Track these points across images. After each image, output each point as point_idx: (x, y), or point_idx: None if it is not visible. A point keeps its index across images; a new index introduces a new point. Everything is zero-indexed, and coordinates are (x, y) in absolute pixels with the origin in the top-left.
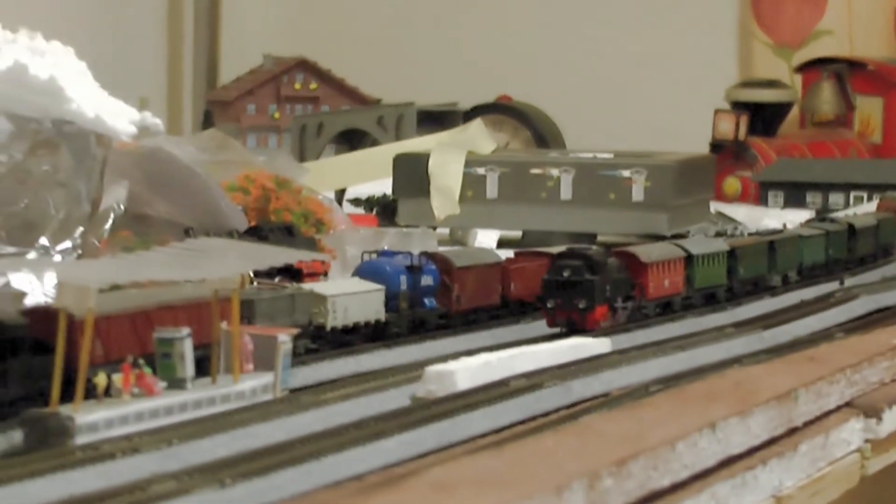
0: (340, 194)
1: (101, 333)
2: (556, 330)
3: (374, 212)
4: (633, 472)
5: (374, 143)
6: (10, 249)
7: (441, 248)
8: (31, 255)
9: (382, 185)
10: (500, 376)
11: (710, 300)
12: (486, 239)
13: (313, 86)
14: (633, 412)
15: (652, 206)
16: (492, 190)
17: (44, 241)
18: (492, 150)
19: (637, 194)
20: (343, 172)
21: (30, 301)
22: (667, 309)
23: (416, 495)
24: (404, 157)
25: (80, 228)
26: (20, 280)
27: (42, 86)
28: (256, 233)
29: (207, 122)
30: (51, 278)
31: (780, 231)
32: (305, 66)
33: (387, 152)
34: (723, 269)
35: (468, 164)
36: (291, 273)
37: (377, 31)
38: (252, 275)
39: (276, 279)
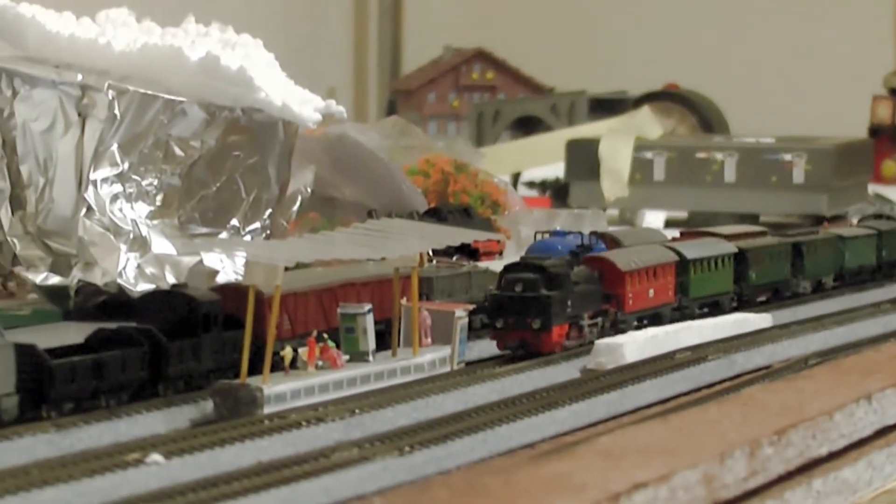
0: (516, 177)
1: (288, 309)
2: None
3: (548, 194)
4: (792, 440)
5: (548, 129)
6: (203, 230)
7: (611, 228)
8: (223, 235)
9: (555, 169)
10: (667, 349)
11: (713, 310)
12: (653, 220)
13: (490, 75)
14: (793, 384)
15: (812, 188)
16: (659, 173)
17: (235, 222)
18: (659, 136)
19: (798, 177)
20: (518, 157)
21: (221, 279)
22: (654, 321)
23: (585, 463)
24: (576, 142)
25: (269, 210)
26: (212, 259)
27: (233, 76)
28: (436, 214)
29: (391, 109)
30: (241, 257)
31: (814, 231)
32: (483, 57)
33: (560, 138)
34: (728, 274)
35: (637, 148)
36: (468, 252)
37: (551, 22)
38: (431, 253)
39: (454, 258)
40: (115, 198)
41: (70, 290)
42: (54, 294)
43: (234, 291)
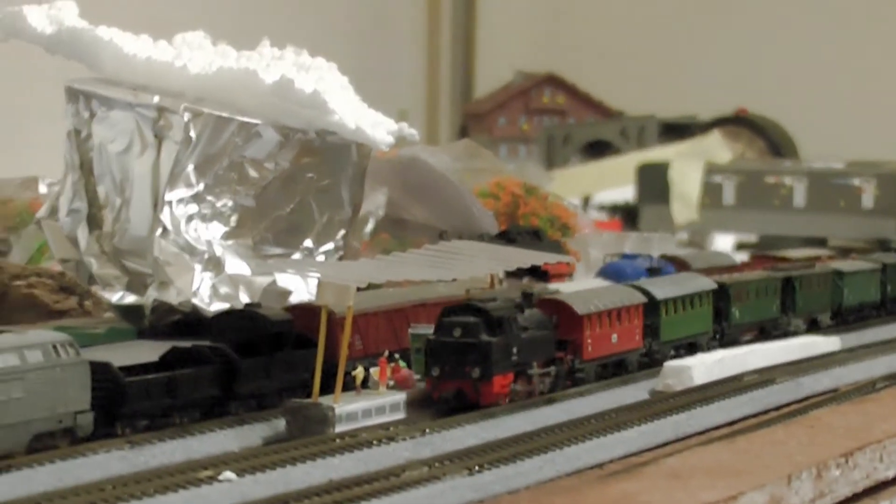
0: (586, 200)
1: (359, 329)
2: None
3: (618, 217)
4: (859, 462)
5: (618, 152)
6: (277, 251)
7: (680, 252)
8: (296, 256)
9: (625, 192)
10: (734, 372)
11: (690, 351)
12: (722, 243)
13: (560, 99)
14: (860, 406)
15: (881, 213)
16: (728, 197)
17: (308, 243)
18: (729, 160)
19: (867, 202)
20: (588, 180)
21: (294, 299)
22: (619, 369)
23: (652, 483)
24: (646, 166)
25: (342, 231)
26: (286, 279)
27: (307, 99)
28: (506, 236)
29: (462, 133)
30: (314, 278)
31: (808, 265)
32: (553, 81)
33: (630, 162)
34: (707, 313)
35: (706, 172)
36: (538, 274)
37: (621, 48)
38: (502, 275)
39: (524, 279)
40: (190, 218)
41: (145, 309)
42: (129, 313)
43: (306, 311)
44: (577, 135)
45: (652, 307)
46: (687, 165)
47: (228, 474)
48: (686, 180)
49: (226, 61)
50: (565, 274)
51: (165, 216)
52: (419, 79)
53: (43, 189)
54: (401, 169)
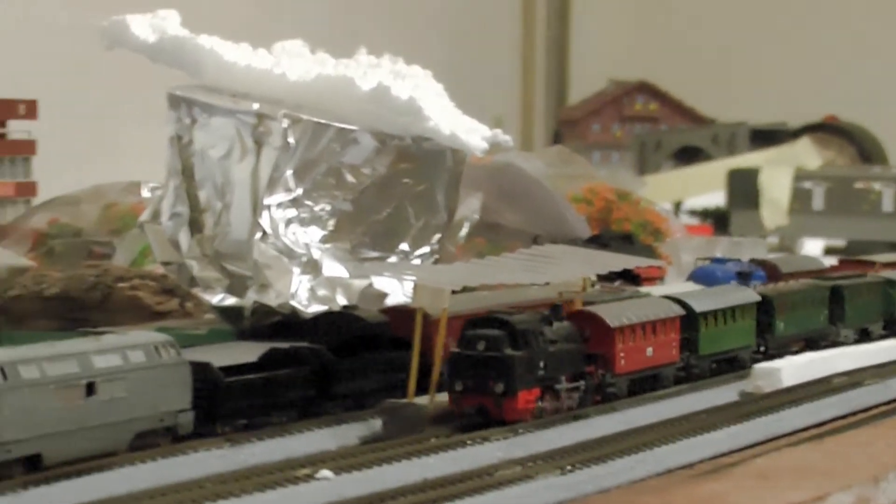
0: (677, 205)
1: (453, 331)
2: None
3: (709, 222)
4: None
5: (709, 158)
6: (374, 254)
7: (770, 256)
8: (392, 259)
9: (716, 198)
10: (823, 374)
11: (732, 366)
12: (812, 247)
13: (653, 106)
14: None
15: None
16: (818, 202)
17: (404, 246)
18: (818, 166)
19: None
20: (680, 185)
21: (390, 301)
22: (654, 384)
23: (741, 483)
24: (737, 172)
25: (437, 235)
26: (382, 282)
27: (403, 106)
28: (598, 240)
29: (556, 139)
30: (410, 281)
31: (860, 274)
32: (646, 89)
33: (721, 168)
34: (749, 326)
35: (796, 178)
36: (630, 277)
37: (712, 56)
38: (594, 278)
39: (617, 283)
40: (288, 222)
41: (245, 311)
42: (229, 314)
43: (402, 313)
44: (669, 141)
45: (690, 320)
46: (777, 171)
47: (325, 473)
48: (776, 186)
49: (324, 69)
50: (657, 277)
51: (265, 220)
52: (514, 86)
53: (146, 193)
54: (495, 174)
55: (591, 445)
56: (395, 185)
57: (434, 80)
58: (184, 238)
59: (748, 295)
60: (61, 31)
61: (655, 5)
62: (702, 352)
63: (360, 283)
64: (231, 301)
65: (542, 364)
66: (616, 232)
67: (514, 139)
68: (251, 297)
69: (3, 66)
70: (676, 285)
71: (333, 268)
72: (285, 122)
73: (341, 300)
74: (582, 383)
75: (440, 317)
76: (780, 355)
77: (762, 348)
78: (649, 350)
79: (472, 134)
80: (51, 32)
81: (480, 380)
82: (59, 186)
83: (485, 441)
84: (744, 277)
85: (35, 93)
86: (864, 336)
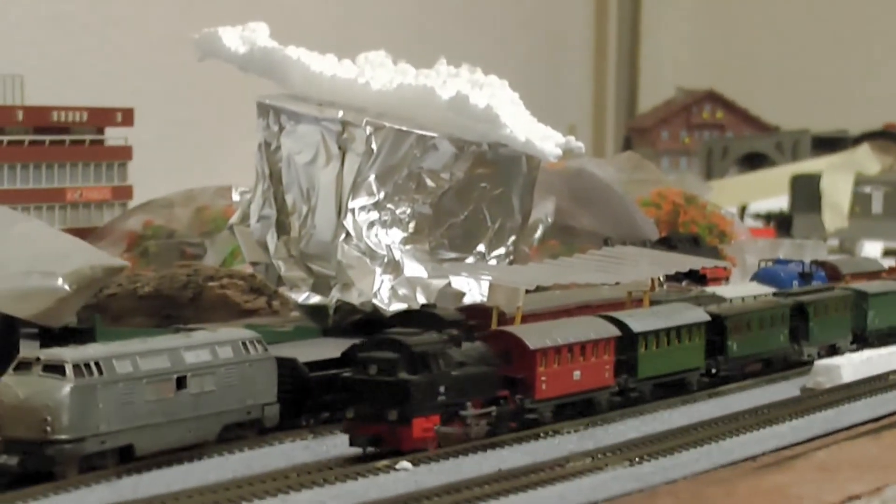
0: (742, 209)
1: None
2: None
3: (772, 225)
4: None
5: (773, 164)
6: (452, 255)
7: (831, 258)
8: (470, 260)
9: (780, 202)
10: (881, 370)
11: (678, 391)
12: (871, 250)
13: (719, 114)
14: None
15: None
16: (877, 206)
17: (480, 248)
18: (877, 172)
19: None
20: (745, 190)
21: (467, 300)
22: (588, 410)
23: (802, 475)
24: (800, 177)
25: (513, 237)
26: (460, 282)
27: (480, 114)
28: (666, 242)
29: (626, 145)
30: (486, 281)
31: (827, 288)
32: (713, 98)
33: (784, 173)
34: (698, 347)
35: (856, 183)
36: (697, 277)
37: (776, 66)
38: (662, 279)
39: (683, 283)
40: (371, 225)
41: (329, 309)
42: (314, 312)
43: (479, 312)
44: (735, 148)
45: (628, 341)
46: (838, 176)
47: (405, 464)
48: (837, 190)
49: (405, 78)
50: (722, 278)
51: (348, 222)
52: (587, 95)
53: (236, 197)
54: (568, 179)
55: (659, 438)
56: (473, 190)
57: (510, 90)
58: (271, 240)
59: (697, 314)
60: (157, 43)
61: (722, 18)
62: (641, 375)
63: (438, 283)
64: (316, 300)
65: (442, 389)
66: (683, 234)
67: (587, 146)
68: (335, 296)
69: (101, 76)
70: (740, 286)
71: (413, 268)
72: (368, 130)
73: (421, 299)
74: (493, 409)
75: (515, 315)
76: (733, 378)
77: (713, 370)
78: (577, 373)
79: (547, 141)
80: (146, 44)
81: (374, 406)
82: (153, 190)
83: (557, 434)
84: (805, 278)
85: (132, 101)
86: (833, 353)
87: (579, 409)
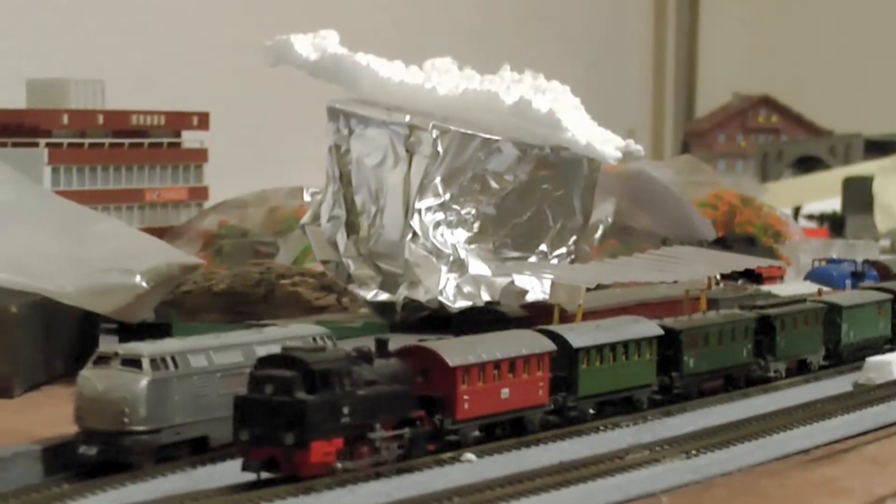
0: (796, 210)
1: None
2: None
3: (825, 226)
4: None
5: (826, 167)
6: (515, 254)
7: (882, 257)
8: (532, 259)
9: (832, 203)
10: None
11: (627, 409)
12: None
13: (774, 119)
14: None
15: None
16: None
17: (543, 247)
18: None
19: None
20: (799, 192)
21: (530, 297)
22: (517, 430)
23: (853, 468)
24: (852, 179)
25: (574, 237)
26: (523, 280)
27: (543, 118)
28: (723, 242)
29: (684, 149)
30: (548, 279)
31: (798, 300)
32: (768, 102)
33: (837, 175)
34: (648, 363)
35: None
36: (752, 276)
37: (830, 71)
38: (718, 277)
39: (739, 281)
40: (437, 225)
41: (396, 306)
42: (382, 309)
43: (541, 309)
44: (789, 151)
45: (566, 357)
46: (889, 179)
47: (469, 455)
48: (888, 192)
49: (470, 84)
50: (776, 277)
51: (415, 223)
52: (646, 100)
53: (307, 198)
54: (628, 181)
55: (715, 431)
56: (535, 191)
57: (572, 95)
58: (341, 239)
59: (649, 328)
60: (231, 49)
61: (776, 26)
62: (582, 392)
63: (502, 281)
64: (384, 297)
65: (346, 410)
66: (739, 234)
67: (646, 149)
68: (402, 294)
69: (178, 81)
70: (794, 284)
71: (478, 267)
72: (435, 133)
73: (485, 296)
74: (407, 431)
75: (576, 312)
76: (689, 395)
77: (668, 385)
78: (505, 391)
79: (607, 144)
80: (221, 51)
81: (269, 428)
82: (227, 191)
83: (616, 427)
84: (858, 277)
85: (207, 105)
86: (803, 367)
87: (508, 429)
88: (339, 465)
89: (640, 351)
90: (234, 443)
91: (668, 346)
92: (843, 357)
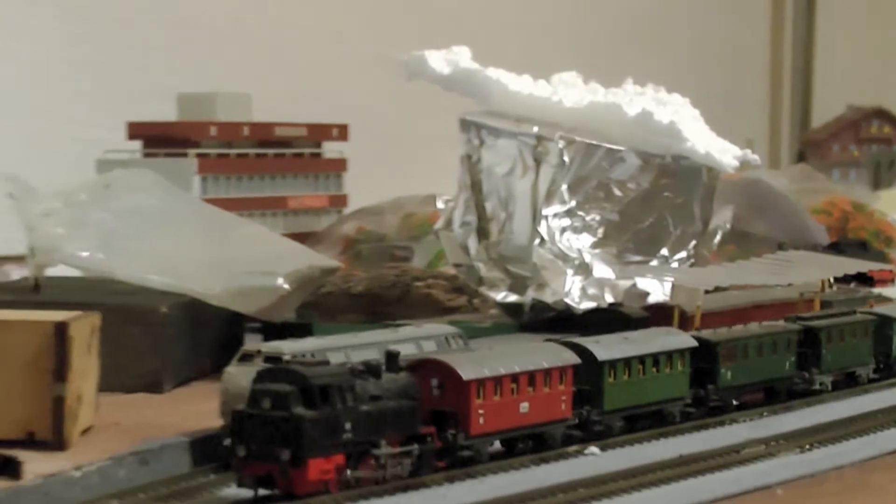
0: None
1: (707, 326)
2: None
3: None
4: None
5: None
6: (637, 258)
7: None
8: (653, 263)
9: None
10: None
11: (658, 422)
12: None
13: (886, 129)
14: None
15: None
16: None
17: (663, 252)
18: None
19: None
20: None
21: (651, 300)
22: (541, 446)
23: None
24: None
25: (693, 242)
26: (644, 283)
27: (664, 129)
28: (836, 247)
29: (800, 158)
30: (668, 282)
31: (846, 313)
32: (880, 114)
33: None
34: (682, 375)
35: None
36: (864, 279)
37: None
38: (832, 280)
39: (852, 284)
40: (563, 230)
41: (525, 307)
42: (511, 310)
43: (661, 310)
44: None
45: (591, 369)
46: None
47: (593, 449)
48: None
49: (595, 97)
50: (888, 280)
51: (543, 228)
52: (763, 112)
53: (440, 205)
54: (745, 189)
55: (828, 427)
56: (657, 198)
57: (691, 107)
58: (472, 244)
59: (681, 340)
60: (369, 64)
61: (890, 39)
62: (608, 406)
63: (624, 284)
64: (513, 298)
65: (348, 426)
66: (852, 239)
67: (762, 158)
68: (530, 295)
69: (319, 94)
70: None
71: (602, 270)
72: (561, 144)
73: (608, 298)
74: (415, 447)
75: (695, 314)
76: (725, 408)
77: (698, 400)
78: (524, 406)
79: (725, 153)
80: (360, 65)
81: (266, 444)
82: (365, 198)
83: (733, 423)
84: None
85: (347, 117)
86: (851, 381)
87: (529, 444)
88: (348, 472)
89: (671, 363)
90: (229, 458)
91: (704, 359)
92: (895, 370)
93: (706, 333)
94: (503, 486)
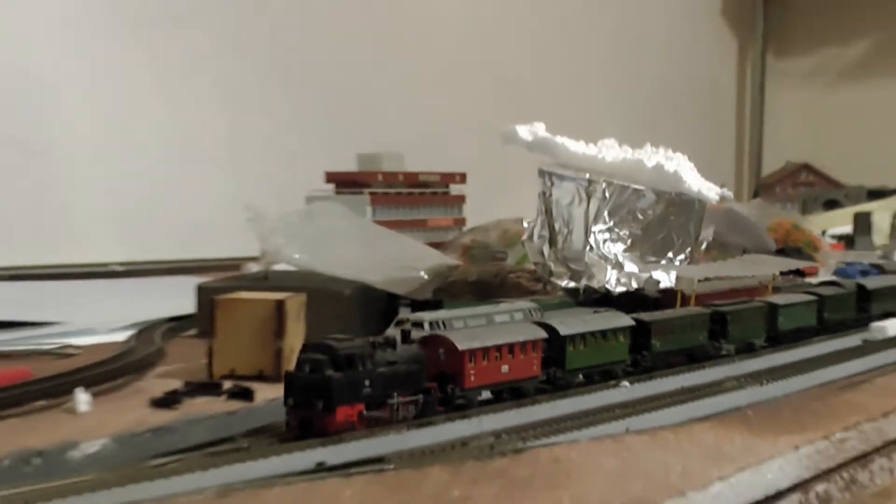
0: (824, 233)
1: (699, 302)
2: None
3: (842, 242)
4: None
5: (842, 207)
6: (653, 259)
7: (878, 261)
8: (664, 262)
9: (847, 229)
10: None
11: (606, 377)
12: None
13: (811, 178)
14: None
15: None
16: None
17: (670, 255)
18: None
19: None
20: (826, 222)
21: (662, 285)
22: (519, 396)
23: (869, 394)
24: (859, 214)
25: (689, 249)
26: (658, 274)
27: (671, 176)
28: (782, 252)
29: (756, 195)
30: (673, 273)
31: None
32: (808, 168)
33: (850, 212)
34: (623, 345)
35: (894, 216)
36: (799, 273)
37: (845, 145)
38: (778, 273)
39: (791, 276)
40: (605, 241)
41: (580, 291)
42: (571, 292)
43: (669, 293)
44: (820, 197)
45: (557, 341)
46: (883, 213)
47: (625, 383)
48: (882, 221)
49: (626, 154)
50: (813, 273)
51: (591, 240)
52: (731, 165)
53: (525, 224)
54: (723, 214)
55: (781, 369)
56: (666, 221)
57: (688, 160)
58: (546, 249)
59: (623, 321)
60: (481, 132)
61: (822, 112)
62: (569, 367)
63: (645, 275)
64: (572, 285)
65: (367, 383)
66: (792, 247)
67: (733, 194)
68: (583, 283)
69: (448, 152)
70: (824, 277)
71: (630, 266)
72: (604, 185)
73: (634, 285)
74: (420, 397)
75: (691, 295)
76: (656, 367)
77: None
78: (505, 367)
79: (710, 191)
80: (475, 132)
81: (306, 397)
82: (477, 220)
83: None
84: (864, 273)
85: (466, 167)
86: (749, 348)
87: (508, 395)
88: (364, 413)
89: (616, 336)
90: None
91: (641, 334)
92: (780, 340)
93: (644, 315)
94: (489, 424)
